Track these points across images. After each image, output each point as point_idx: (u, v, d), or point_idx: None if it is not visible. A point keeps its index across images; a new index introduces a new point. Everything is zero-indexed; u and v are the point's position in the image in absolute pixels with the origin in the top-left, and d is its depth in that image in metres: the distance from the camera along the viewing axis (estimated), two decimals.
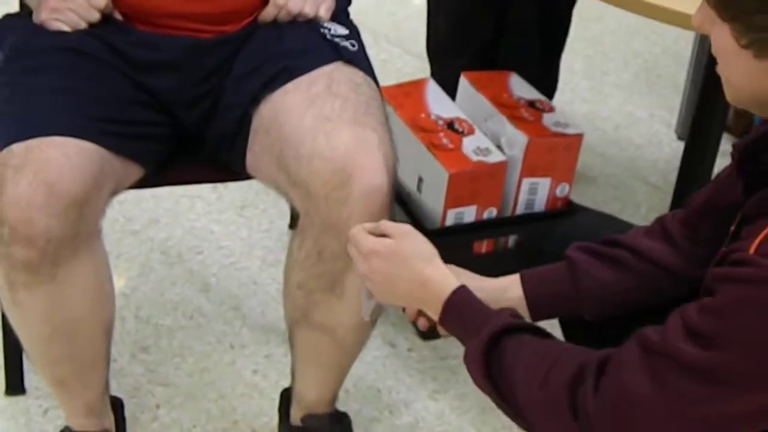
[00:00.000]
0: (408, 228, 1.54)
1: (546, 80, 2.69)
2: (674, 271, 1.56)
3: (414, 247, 1.51)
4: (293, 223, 2.70)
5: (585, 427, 1.27)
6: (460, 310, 1.46)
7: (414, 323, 1.62)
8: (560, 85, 2.89)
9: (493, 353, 1.38)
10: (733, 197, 1.39)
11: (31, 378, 2.22)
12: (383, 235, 1.53)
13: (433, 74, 2.74)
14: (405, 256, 1.50)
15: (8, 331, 2.15)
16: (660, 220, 1.61)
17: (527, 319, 1.57)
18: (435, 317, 1.49)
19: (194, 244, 2.66)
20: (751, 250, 1.22)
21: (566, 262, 1.59)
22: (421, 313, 1.56)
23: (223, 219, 2.75)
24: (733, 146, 1.42)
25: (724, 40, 1.24)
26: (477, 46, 2.70)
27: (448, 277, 1.48)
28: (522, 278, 1.61)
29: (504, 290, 1.61)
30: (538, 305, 1.60)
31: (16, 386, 2.21)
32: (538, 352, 1.35)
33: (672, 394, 1.23)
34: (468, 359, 1.41)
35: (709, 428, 1.25)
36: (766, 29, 1.20)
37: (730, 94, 1.31)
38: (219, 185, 2.82)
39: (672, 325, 1.25)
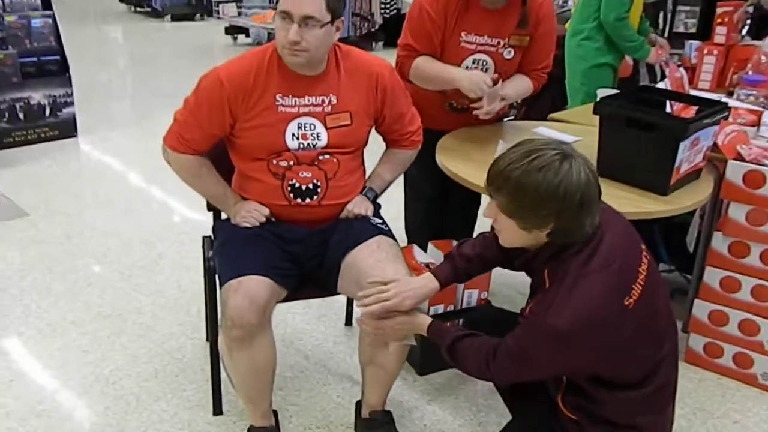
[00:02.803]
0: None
1: None
2: (499, 262, 1.71)
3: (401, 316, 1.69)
4: (347, 322, 2.72)
5: (492, 376, 1.50)
6: (432, 334, 1.64)
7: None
8: None
9: (451, 350, 1.57)
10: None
11: (223, 404, 2.22)
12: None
13: (409, 243, 2.80)
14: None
15: (215, 380, 2.17)
16: (489, 238, 1.69)
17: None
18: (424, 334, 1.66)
19: (297, 336, 2.65)
20: (526, 312, 1.41)
21: (451, 261, 1.74)
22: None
23: (311, 321, 2.73)
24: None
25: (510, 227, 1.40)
26: (433, 229, 2.73)
27: (424, 319, 1.66)
28: (434, 273, 1.74)
29: (426, 283, 1.74)
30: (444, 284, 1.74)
31: (218, 409, 2.22)
32: (472, 351, 1.52)
33: (516, 366, 1.44)
34: (442, 352, 1.60)
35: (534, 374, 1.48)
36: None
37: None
38: (306, 305, 2.80)
39: (508, 339, 1.44)
